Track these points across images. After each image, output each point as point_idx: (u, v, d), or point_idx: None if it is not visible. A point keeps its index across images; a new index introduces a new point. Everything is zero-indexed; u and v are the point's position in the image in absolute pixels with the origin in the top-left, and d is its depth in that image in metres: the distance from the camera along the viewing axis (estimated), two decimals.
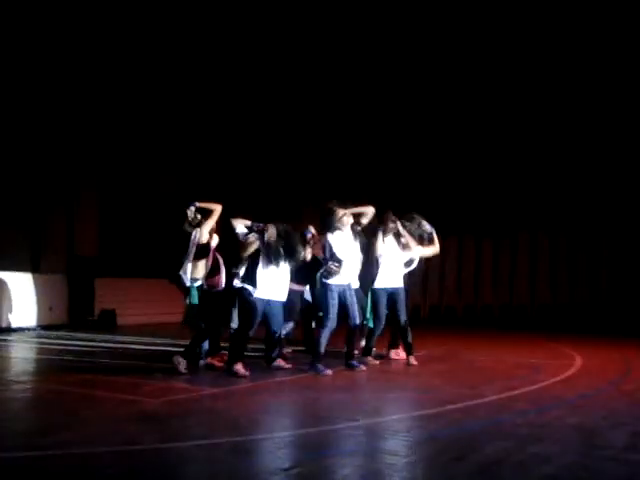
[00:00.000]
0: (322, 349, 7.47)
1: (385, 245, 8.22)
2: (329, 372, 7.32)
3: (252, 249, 7.34)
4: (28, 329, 12.16)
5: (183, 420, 5.14)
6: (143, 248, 14.13)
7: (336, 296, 7.46)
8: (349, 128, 15.98)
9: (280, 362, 7.70)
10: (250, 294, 7.25)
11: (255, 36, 14.16)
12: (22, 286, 12.48)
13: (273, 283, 7.28)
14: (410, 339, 8.18)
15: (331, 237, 7.55)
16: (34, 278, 12.79)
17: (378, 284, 8.19)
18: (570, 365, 8.31)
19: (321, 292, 7.57)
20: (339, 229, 7.58)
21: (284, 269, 7.36)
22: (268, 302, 7.27)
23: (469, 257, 17.47)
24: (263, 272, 7.25)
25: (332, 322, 7.43)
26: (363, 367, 7.73)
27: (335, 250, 7.49)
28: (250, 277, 7.29)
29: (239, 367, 7.05)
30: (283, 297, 7.37)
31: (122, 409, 5.51)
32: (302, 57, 14.73)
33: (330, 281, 7.45)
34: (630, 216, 15.04)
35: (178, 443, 4.46)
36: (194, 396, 6.20)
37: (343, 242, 7.57)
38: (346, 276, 7.57)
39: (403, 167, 16.40)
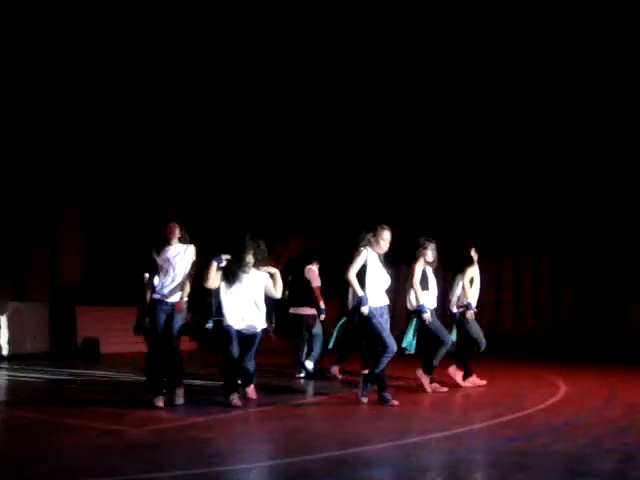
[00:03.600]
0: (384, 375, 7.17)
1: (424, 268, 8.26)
2: (396, 402, 7.09)
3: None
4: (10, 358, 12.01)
5: (165, 450, 5.06)
6: (127, 275, 13.98)
7: (381, 320, 7.12)
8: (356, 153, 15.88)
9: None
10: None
11: (232, 58, 14.27)
12: (4, 315, 12.36)
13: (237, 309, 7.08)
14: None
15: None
16: (16, 307, 12.67)
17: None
18: (555, 392, 8.29)
19: (366, 321, 7.10)
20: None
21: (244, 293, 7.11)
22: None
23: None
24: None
25: (392, 346, 7.08)
26: (395, 402, 7.22)
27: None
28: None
29: (234, 397, 6.94)
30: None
31: (104, 439, 5.43)
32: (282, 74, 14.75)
33: (373, 305, 7.11)
34: (616, 241, 15.03)
35: (160, 474, 4.38)
36: (177, 425, 6.11)
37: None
38: (385, 298, 7.32)
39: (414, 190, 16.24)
